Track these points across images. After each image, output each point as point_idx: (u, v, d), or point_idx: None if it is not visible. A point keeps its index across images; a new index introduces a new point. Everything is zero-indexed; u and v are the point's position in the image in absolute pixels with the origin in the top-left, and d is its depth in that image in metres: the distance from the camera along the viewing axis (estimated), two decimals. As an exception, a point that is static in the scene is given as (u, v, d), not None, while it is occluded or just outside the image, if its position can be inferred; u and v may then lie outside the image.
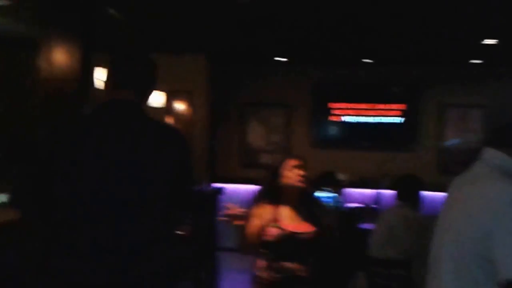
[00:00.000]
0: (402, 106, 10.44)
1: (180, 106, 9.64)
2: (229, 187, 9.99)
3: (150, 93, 2.70)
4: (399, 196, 4.94)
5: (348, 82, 10.66)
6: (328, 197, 6.32)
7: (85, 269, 2.38)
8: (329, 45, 8.92)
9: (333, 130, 10.68)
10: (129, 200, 2.41)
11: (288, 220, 3.54)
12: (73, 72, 4.19)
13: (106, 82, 2.66)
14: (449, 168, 10.16)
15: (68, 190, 2.40)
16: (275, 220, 3.52)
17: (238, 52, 9.79)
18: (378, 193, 9.45)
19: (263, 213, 3.56)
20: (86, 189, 2.39)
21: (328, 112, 10.60)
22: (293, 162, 3.67)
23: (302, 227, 3.52)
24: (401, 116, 10.43)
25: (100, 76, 6.87)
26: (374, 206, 9.32)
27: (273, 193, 3.64)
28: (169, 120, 9.59)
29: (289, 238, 3.46)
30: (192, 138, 9.63)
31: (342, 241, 5.62)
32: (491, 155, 2.20)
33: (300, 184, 3.61)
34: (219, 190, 8.75)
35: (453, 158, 10.25)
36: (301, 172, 3.62)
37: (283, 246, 3.46)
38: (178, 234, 6.13)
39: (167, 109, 9.42)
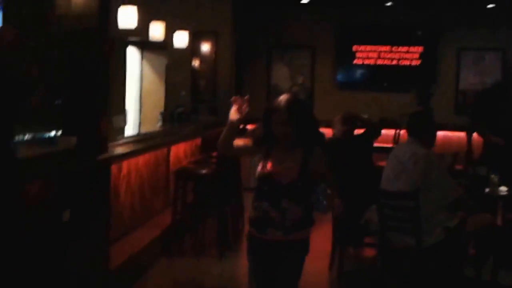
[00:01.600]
0: (421, 49, 10.59)
1: (205, 47, 9.80)
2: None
3: None
4: (409, 132, 5.08)
5: (371, 25, 10.78)
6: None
7: None
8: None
9: (355, 72, 10.87)
10: None
11: (276, 161, 3.42)
12: (91, 9, 4.25)
13: None
14: (465, 110, 10.31)
15: None
16: (265, 159, 3.44)
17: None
18: (397, 133, 9.64)
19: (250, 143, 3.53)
20: None
21: (351, 54, 10.77)
22: (277, 117, 3.40)
23: (285, 170, 3.40)
24: (420, 59, 10.60)
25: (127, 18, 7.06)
26: (393, 145, 9.53)
27: (265, 135, 3.46)
28: (195, 61, 9.78)
29: (266, 179, 3.40)
30: (218, 79, 9.82)
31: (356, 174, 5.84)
32: None
33: (284, 139, 3.42)
34: (244, 130, 8.95)
35: (469, 100, 10.38)
36: (285, 129, 3.38)
37: (262, 185, 3.43)
38: (203, 173, 6.38)
39: (192, 50, 9.59)
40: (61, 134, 4.19)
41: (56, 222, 3.82)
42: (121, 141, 5.86)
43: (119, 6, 6.99)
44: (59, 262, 3.93)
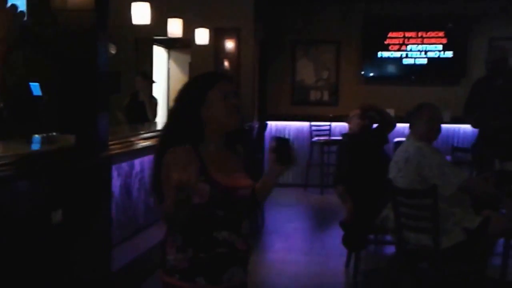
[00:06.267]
0: (450, 41, 10.26)
1: (228, 44, 9.69)
2: (280, 124, 10.23)
3: None
4: (409, 126, 4.68)
5: (398, 16, 10.51)
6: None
7: None
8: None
9: (382, 66, 10.59)
10: None
11: (218, 168, 2.31)
12: (88, 4, 4.12)
13: None
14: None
15: None
16: (201, 171, 2.18)
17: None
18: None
19: (183, 159, 2.05)
20: None
21: (377, 47, 10.50)
22: (227, 86, 2.39)
23: (240, 179, 2.37)
24: (451, 50, 10.26)
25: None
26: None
27: (191, 129, 2.33)
28: (217, 58, 9.67)
29: (224, 198, 2.29)
30: (241, 76, 9.69)
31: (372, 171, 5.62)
32: None
33: (234, 122, 2.36)
34: (264, 126, 8.86)
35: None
36: (237, 103, 2.36)
37: (214, 210, 2.29)
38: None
39: (215, 47, 9.49)
40: (60, 133, 4.13)
41: (46, 223, 3.73)
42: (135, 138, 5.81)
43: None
44: (53, 263, 3.85)
